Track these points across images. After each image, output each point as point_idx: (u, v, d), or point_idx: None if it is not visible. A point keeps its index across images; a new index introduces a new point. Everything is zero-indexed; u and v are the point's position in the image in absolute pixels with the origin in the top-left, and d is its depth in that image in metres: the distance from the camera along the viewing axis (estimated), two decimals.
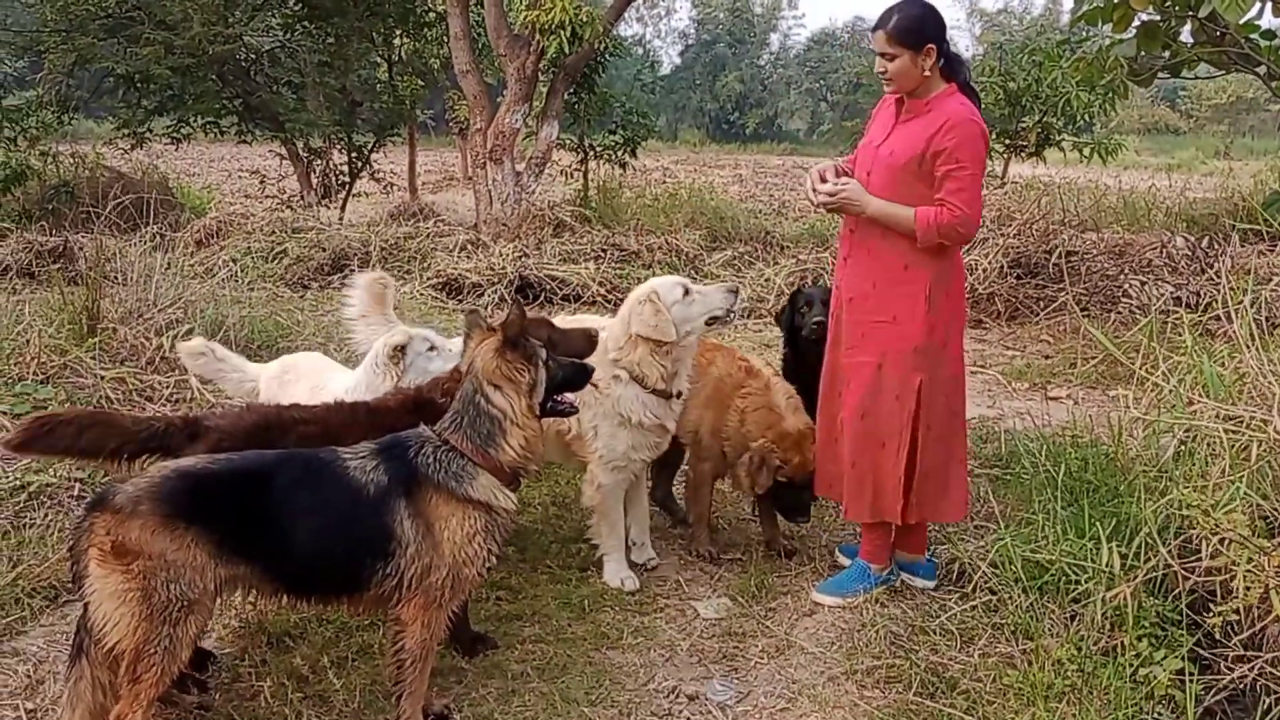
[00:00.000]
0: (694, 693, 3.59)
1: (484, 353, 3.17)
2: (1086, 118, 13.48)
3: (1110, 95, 11.85)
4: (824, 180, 4.03)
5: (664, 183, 17.44)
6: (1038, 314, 9.16)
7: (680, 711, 3.49)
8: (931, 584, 4.31)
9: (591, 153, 14.37)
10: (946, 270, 3.96)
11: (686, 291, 4.29)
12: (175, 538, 2.80)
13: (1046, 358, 8.18)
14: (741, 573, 4.52)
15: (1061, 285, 9.22)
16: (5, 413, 5.23)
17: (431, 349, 4.22)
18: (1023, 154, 13.54)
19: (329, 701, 3.44)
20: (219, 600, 3.01)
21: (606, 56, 14.03)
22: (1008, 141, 13.39)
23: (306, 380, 4.53)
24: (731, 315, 4.37)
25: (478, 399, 3.13)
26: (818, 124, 52.61)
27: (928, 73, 3.81)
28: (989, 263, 9.51)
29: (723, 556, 4.68)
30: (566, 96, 13.14)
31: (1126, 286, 9.31)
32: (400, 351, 4.17)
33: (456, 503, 3.04)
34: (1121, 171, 16.63)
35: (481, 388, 3.13)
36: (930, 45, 3.78)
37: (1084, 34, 10.33)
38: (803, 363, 4.85)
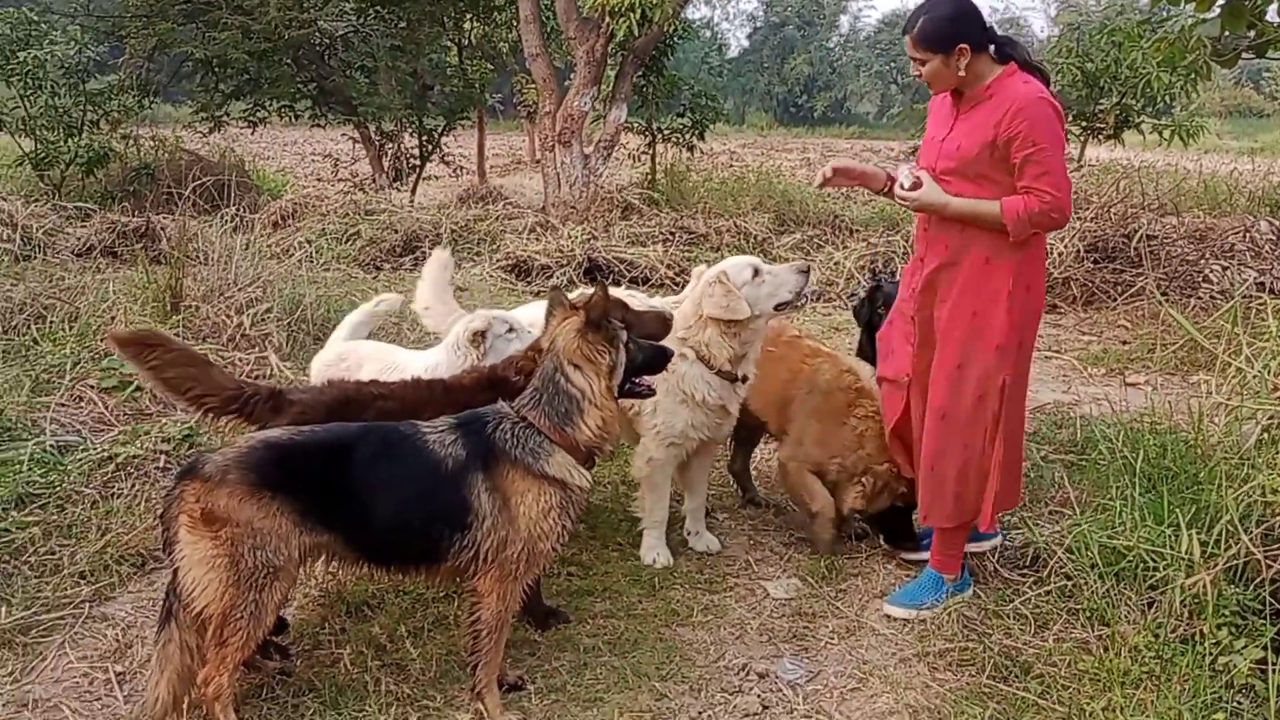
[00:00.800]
0: (764, 671, 3.62)
1: (566, 332, 3.21)
2: (1167, 99, 13.15)
3: (1192, 76, 11.55)
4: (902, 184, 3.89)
5: (731, 166, 17.39)
6: (1115, 299, 8.99)
7: (750, 689, 3.51)
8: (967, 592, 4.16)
9: (659, 135, 14.37)
10: (1029, 264, 3.77)
11: (756, 272, 4.25)
12: (261, 506, 2.90)
13: (1124, 343, 8.04)
14: (811, 554, 4.52)
15: (1140, 270, 9.05)
16: (94, 386, 5.40)
17: (510, 331, 4.26)
18: (1100, 136, 13.25)
19: (406, 670, 3.52)
20: (302, 568, 3.10)
21: (675, 39, 14.02)
22: (1085, 124, 13.11)
23: (371, 364, 4.59)
24: (803, 298, 4.30)
25: (557, 377, 3.17)
26: (887, 107, 51.98)
27: (963, 72, 3.63)
28: (1065, 247, 9.35)
29: (793, 537, 4.69)
30: (635, 79, 13.15)
31: (1207, 271, 9.11)
32: (481, 336, 4.23)
33: (532, 478, 3.10)
34: (1202, 155, 16.23)
35: (562, 366, 3.17)
36: (963, 45, 3.59)
37: (1165, 13, 10.07)
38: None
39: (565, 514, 3.17)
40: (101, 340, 5.78)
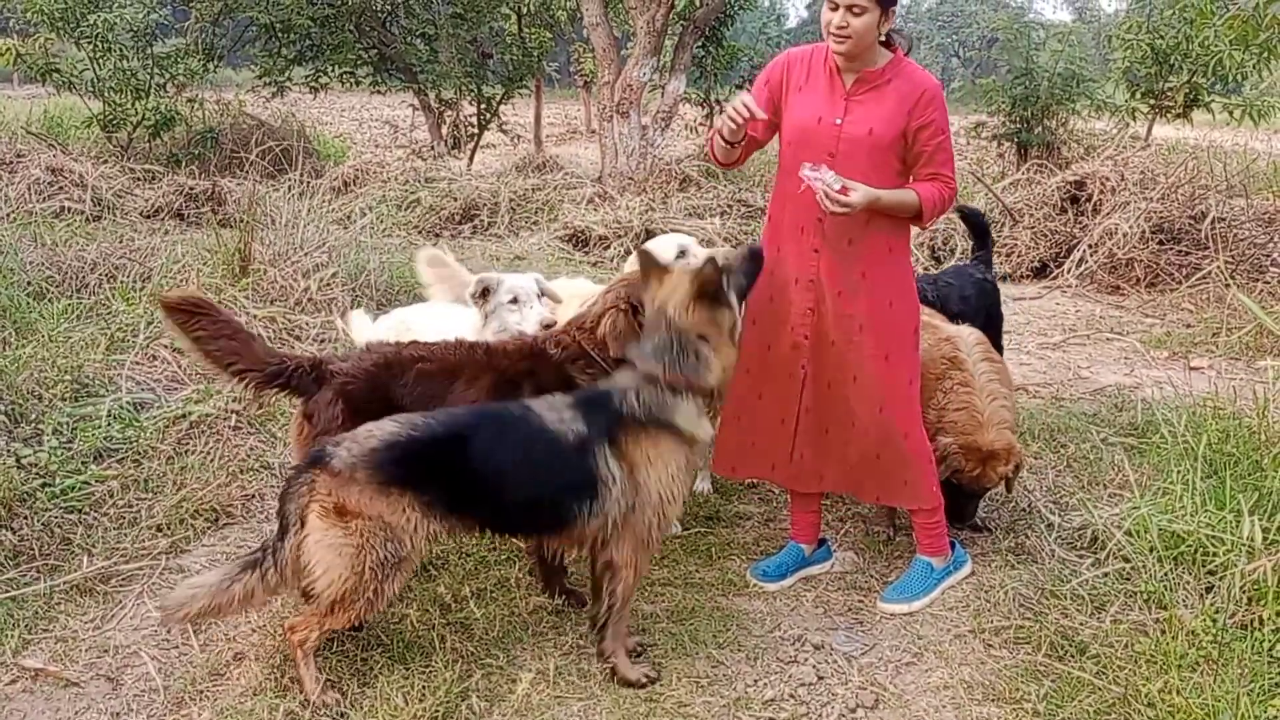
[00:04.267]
0: (820, 643, 3.68)
1: (678, 303, 3.27)
2: (1238, 78, 12.86)
3: (1265, 55, 11.28)
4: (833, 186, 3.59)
5: None
6: (1180, 281, 8.87)
7: (806, 659, 3.57)
8: (827, 565, 4.21)
9: (718, 107, 14.33)
10: (909, 245, 3.88)
11: (683, 253, 4.24)
12: (391, 502, 3.02)
13: (1188, 326, 7.94)
14: (867, 528, 4.56)
15: (1206, 252, 8.91)
16: (167, 345, 5.55)
17: (513, 301, 4.26)
18: (1168, 115, 12.99)
19: (470, 629, 3.63)
20: (421, 556, 3.21)
21: (735, 9, 13.94)
22: (1153, 102, 12.87)
23: (424, 329, 4.66)
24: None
25: (684, 340, 3.26)
26: (948, 81, 51.16)
27: (881, 37, 3.57)
28: (1130, 227, 9.22)
29: (850, 510, 4.73)
30: (694, 50, 13.11)
31: (1276, 255, 8.94)
32: (485, 295, 4.28)
33: (659, 440, 3.20)
34: (1273, 135, 15.85)
35: (686, 334, 3.25)
36: (892, 8, 3.52)
37: None
38: None
39: (687, 473, 3.27)
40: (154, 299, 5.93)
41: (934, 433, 4.15)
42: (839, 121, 3.60)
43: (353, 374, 3.53)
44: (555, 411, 3.21)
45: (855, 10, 3.46)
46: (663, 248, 4.31)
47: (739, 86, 14.39)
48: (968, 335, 4.51)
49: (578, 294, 4.61)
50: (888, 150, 3.59)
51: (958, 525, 4.38)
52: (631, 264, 4.34)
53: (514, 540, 3.61)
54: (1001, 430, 4.17)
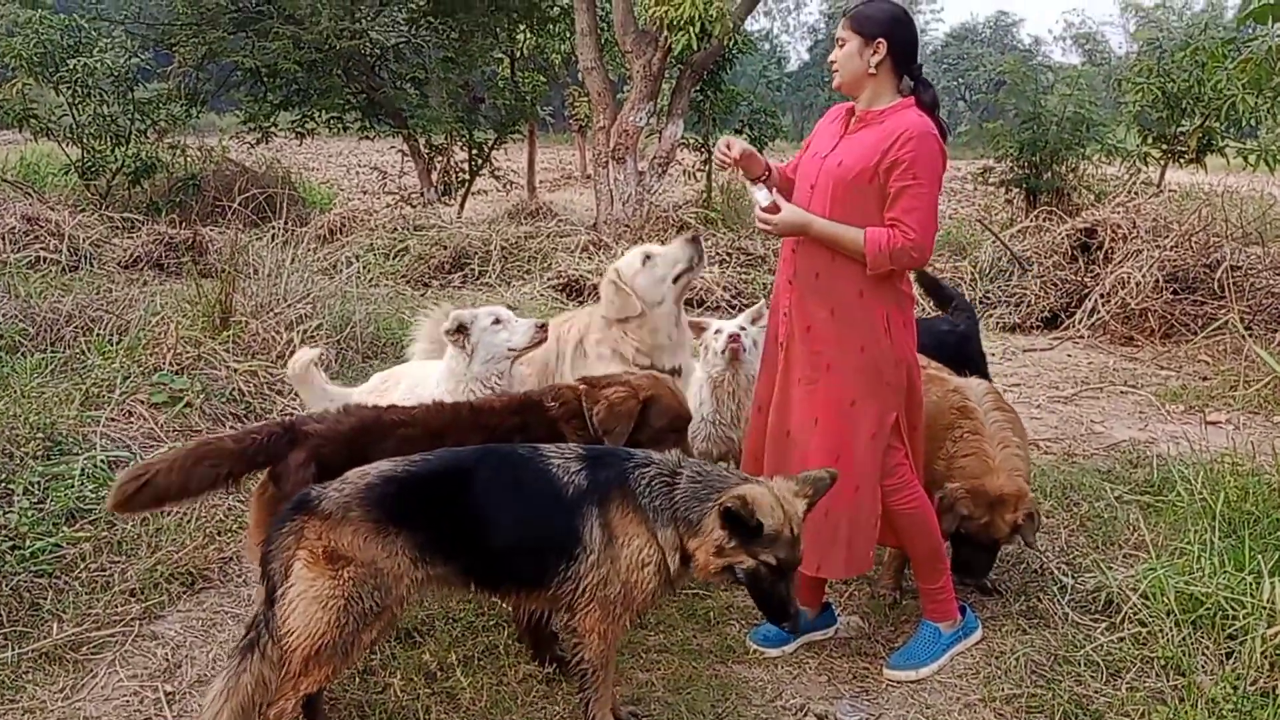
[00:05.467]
0: (823, 712, 3.66)
1: (708, 546, 3.15)
2: (1252, 122, 13.04)
3: (1279, 99, 11.45)
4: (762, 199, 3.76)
5: None
6: (1195, 332, 8.91)
7: None
8: (830, 631, 4.18)
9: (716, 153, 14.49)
10: (901, 297, 3.77)
11: (648, 257, 4.48)
12: (386, 544, 3.00)
13: (1204, 379, 7.97)
14: (872, 591, 4.56)
15: (1223, 302, 8.97)
16: (143, 401, 5.58)
17: (496, 322, 4.34)
18: (1181, 160, 13.15)
19: (456, 699, 3.60)
20: (403, 609, 3.19)
21: (734, 53, 14.14)
22: (1165, 147, 13.03)
23: (403, 384, 4.72)
24: (697, 264, 4.54)
25: (701, 495, 3.17)
26: (955, 125, 51.76)
27: (873, 70, 3.63)
28: (1143, 276, 9.30)
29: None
30: (692, 94, 13.28)
31: None
32: (462, 331, 4.33)
33: (644, 529, 3.17)
34: None
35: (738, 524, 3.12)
36: (880, 40, 3.61)
37: (1252, 33, 10.01)
38: None
39: (660, 577, 3.24)
40: (152, 356, 5.96)
41: (942, 482, 4.17)
42: (825, 155, 3.74)
43: (328, 437, 3.53)
44: (564, 460, 3.23)
45: (839, 42, 3.71)
46: (628, 260, 4.60)
47: (738, 132, 14.56)
48: (976, 385, 4.56)
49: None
50: (853, 185, 3.61)
51: (968, 580, 4.35)
52: (605, 290, 4.56)
53: (496, 598, 3.59)
54: (1013, 476, 4.16)
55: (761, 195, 3.69)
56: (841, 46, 3.69)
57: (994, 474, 4.13)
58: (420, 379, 4.67)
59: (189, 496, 3.52)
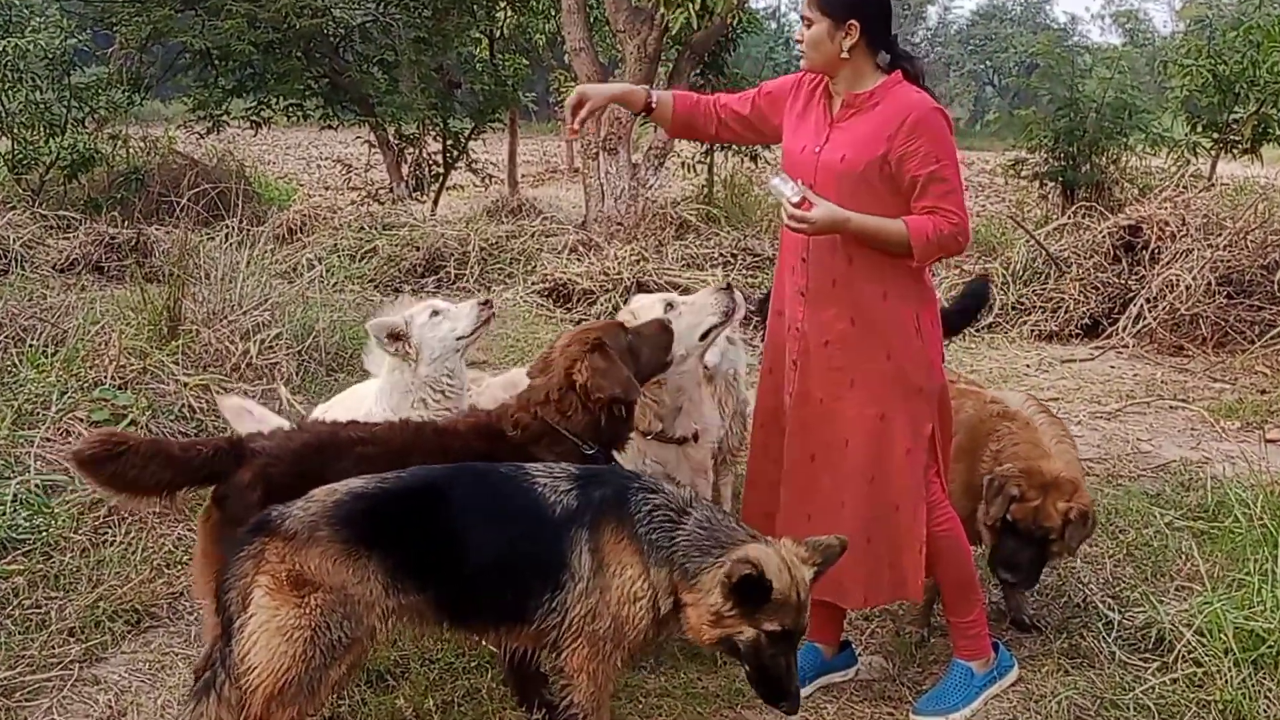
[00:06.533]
0: None
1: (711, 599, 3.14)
2: None
3: None
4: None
5: None
6: (1252, 340, 8.94)
7: None
8: (851, 672, 4.19)
9: (718, 143, 14.51)
10: (926, 294, 3.83)
11: (670, 306, 4.28)
12: (357, 568, 3.00)
13: (1263, 392, 7.98)
14: (898, 628, 4.56)
15: None
16: (82, 419, 5.57)
17: (434, 314, 4.39)
18: (1235, 150, 13.20)
19: None
20: (373, 642, 3.18)
21: (738, 32, 14.17)
22: (1217, 136, 13.08)
23: (332, 411, 4.73)
24: (730, 319, 4.25)
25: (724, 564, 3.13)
26: (982, 112, 51.92)
27: (845, 55, 3.62)
28: (1194, 279, 9.31)
29: (880, 608, 4.68)
30: (692, 78, 13.30)
31: None
32: (398, 338, 4.34)
33: (638, 559, 3.17)
34: None
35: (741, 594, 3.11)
36: (853, 22, 3.59)
37: None
38: None
39: (653, 616, 3.23)
40: (92, 370, 5.95)
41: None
42: (818, 150, 3.73)
43: (278, 455, 3.54)
44: (552, 477, 3.23)
45: (806, 21, 3.68)
46: (647, 305, 4.43)
47: None
48: (1015, 395, 4.67)
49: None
50: (861, 179, 3.63)
51: (1008, 579, 4.32)
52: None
53: (475, 635, 3.58)
54: (1070, 463, 4.20)
55: (789, 189, 3.59)
56: (809, 27, 3.66)
57: (1050, 459, 4.18)
58: (353, 403, 4.69)
59: (138, 491, 3.53)
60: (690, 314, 4.20)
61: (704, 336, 4.20)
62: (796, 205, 3.57)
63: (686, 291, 9.69)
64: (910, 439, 3.76)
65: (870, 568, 3.81)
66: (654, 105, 4.03)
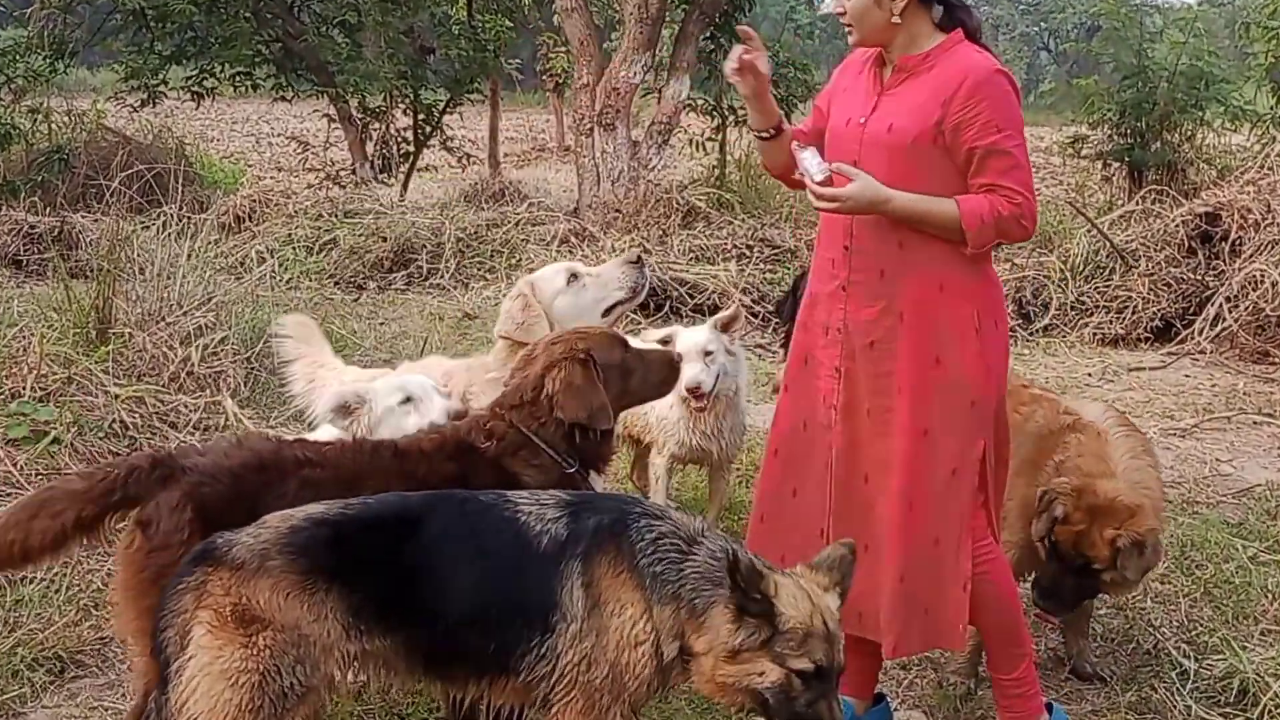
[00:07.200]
0: None
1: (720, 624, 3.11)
2: None
3: None
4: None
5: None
6: None
7: None
8: None
9: (732, 117, 14.49)
10: (992, 289, 3.79)
11: (574, 277, 4.49)
12: (313, 604, 2.97)
13: None
14: (939, 678, 4.55)
15: None
16: None
17: (406, 401, 4.30)
18: None
19: None
20: (333, 693, 3.17)
21: None
22: None
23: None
24: (637, 296, 4.55)
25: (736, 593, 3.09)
26: (1037, 80, 51.95)
27: (897, 19, 3.58)
28: None
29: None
30: (701, 43, 13.30)
31: None
32: (345, 411, 4.31)
33: (640, 596, 3.13)
34: None
35: (743, 596, 3.08)
36: None
37: None
38: None
39: (657, 662, 3.20)
40: (9, 381, 5.95)
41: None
42: (863, 120, 3.69)
43: (212, 473, 3.50)
44: (538, 505, 3.21)
45: None
46: (548, 275, 4.63)
47: None
48: (1094, 406, 4.68)
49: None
50: (910, 153, 3.58)
51: (1042, 606, 4.31)
52: (504, 313, 4.58)
53: (453, 688, 3.56)
54: (1137, 489, 4.16)
55: (815, 164, 3.59)
56: None
57: (1112, 478, 4.15)
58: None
59: (33, 560, 3.49)
60: (595, 288, 4.48)
61: (607, 313, 4.47)
62: (821, 183, 3.56)
63: (695, 289, 9.84)
64: (957, 458, 3.70)
65: (902, 611, 3.75)
66: (784, 128, 3.94)
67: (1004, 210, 3.52)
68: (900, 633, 3.76)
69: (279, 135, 21.25)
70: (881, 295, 3.68)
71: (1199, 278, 9.90)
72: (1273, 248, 9.55)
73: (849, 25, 3.64)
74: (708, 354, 4.99)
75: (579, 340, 3.79)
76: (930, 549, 3.71)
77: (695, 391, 4.95)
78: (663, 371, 3.96)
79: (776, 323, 7.45)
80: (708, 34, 13.38)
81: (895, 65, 3.68)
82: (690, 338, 5.12)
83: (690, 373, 4.83)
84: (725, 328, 5.14)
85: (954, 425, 3.68)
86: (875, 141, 3.63)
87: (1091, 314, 9.98)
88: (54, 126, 13.47)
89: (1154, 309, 9.81)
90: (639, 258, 4.59)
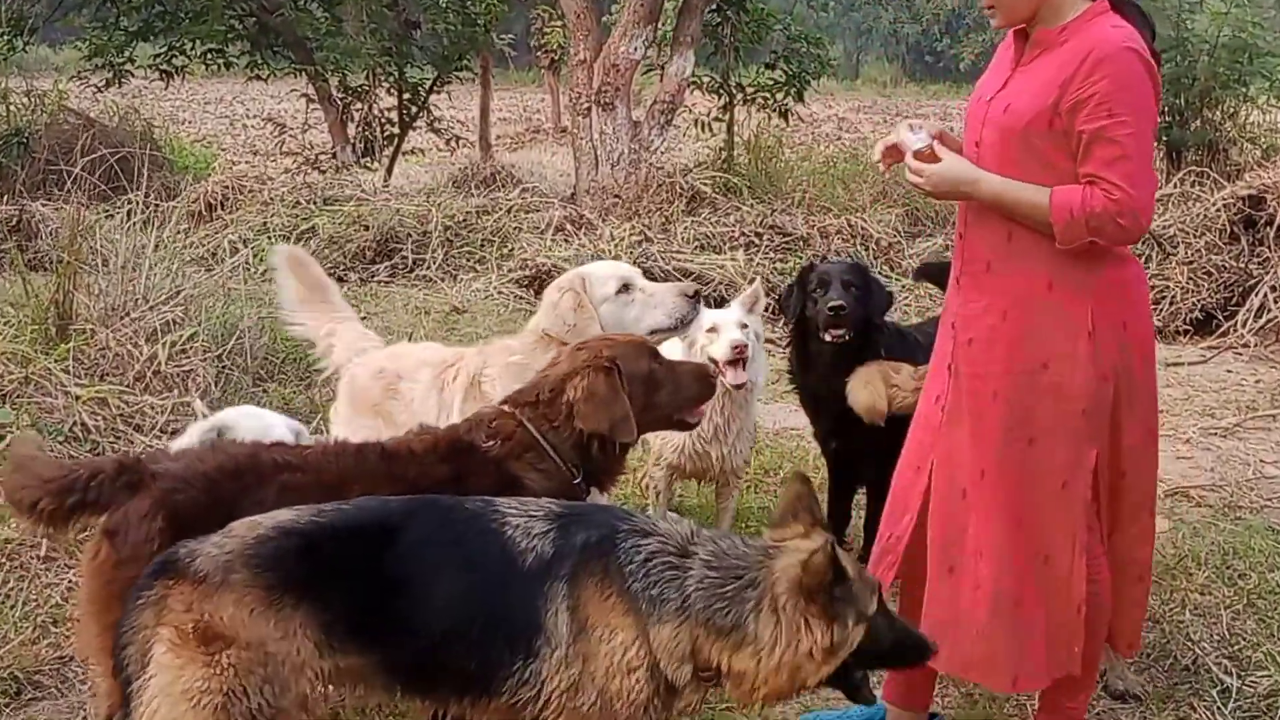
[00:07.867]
0: None
1: (794, 570, 3.13)
2: None
3: None
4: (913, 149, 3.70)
5: (841, 138, 17.45)
6: None
7: None
8: None
9: (740, 96, 14.47)
10: (1116, 284, 3.67)
11: (626, 287, 4.53)
12: (280, 619, 2.96)
13: None
14: (965, 696, 4.55)
15: None
16: None
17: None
18: None
19: None
20: (306, 713, 3.13)
21: None
22: None
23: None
24: (677, 331, 4.60)
25: (760, 594, 3.13)
26: None
27: None
28: None
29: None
30: (706, 17, 13.28)
31: None
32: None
33: (632, 622, 3.12)
34: None
35: (773, 594, 3.12)
36: None
37: None
38: (812, 369, 5.04)
39: (654, 689, 3.17)
40: None
41: None
42: (990, 98, 3.67)
43: (185, 479, 3.51)
44: (526, 517, 3.20)
45: None
46: (601, 276, 4.65)
47: (769, 66, 14.53)
48: None
49: (428, 362, 4.81)
50: (1023, 138, 3.53)
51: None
52: (550, 306, 4.56)
53: (432, 706, 3.56)
54: None
55: (913, 137, 3.60)
56: None
57: None
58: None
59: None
60: (643, 306, 4.53)
61: (650, 335, 4.45)
62: (918, 155, 3.58)
63: (700, 280, 9.81)
64: (1066, 470, 3.64)
65: (1021, 639, 3.69)
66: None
67: (1097, 205, 3.42)
68: (1020, 663, 3.71)
69: (254, 117, 21.27)
70: (987, 289, 3.67)
71: (1242, 266, 9.88)
72: None
73: (990, 7, 3.60)
74: (743, 327, 4.94)
75: (605, 347, 3.81)
76: (1042, 568, 3.67)
77: (740, 350, 4.82)
78: (695, 386, 3.96)
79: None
80: (713, 6, 13.36)
81: (1034, 40, 3.61)
82: (721, 312, 5.10)
83: (729, 334, 4.85)
84: (751, 307, 5.14)
85: (1063, 435, 3.62)
86: (994, 122, 3.62)
87: None
88: (12, 108, 13.44)
89: (1193, 299, 9.80)
90: (696, 293, 4.63)
